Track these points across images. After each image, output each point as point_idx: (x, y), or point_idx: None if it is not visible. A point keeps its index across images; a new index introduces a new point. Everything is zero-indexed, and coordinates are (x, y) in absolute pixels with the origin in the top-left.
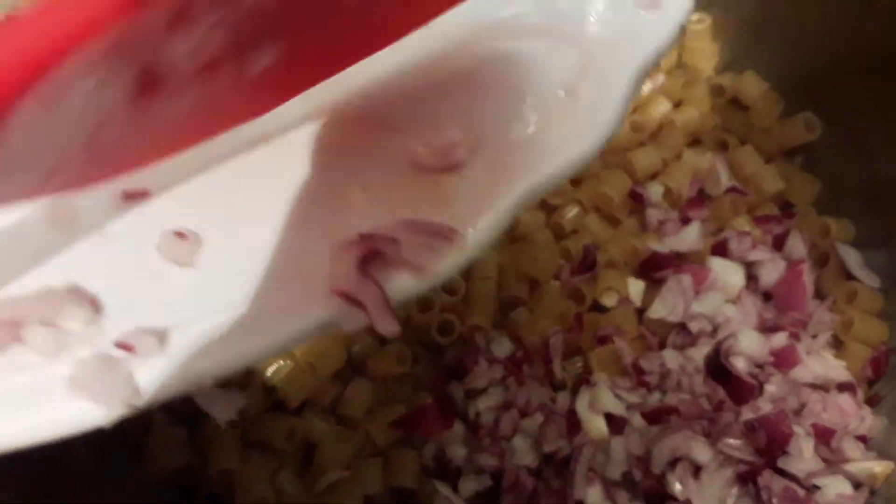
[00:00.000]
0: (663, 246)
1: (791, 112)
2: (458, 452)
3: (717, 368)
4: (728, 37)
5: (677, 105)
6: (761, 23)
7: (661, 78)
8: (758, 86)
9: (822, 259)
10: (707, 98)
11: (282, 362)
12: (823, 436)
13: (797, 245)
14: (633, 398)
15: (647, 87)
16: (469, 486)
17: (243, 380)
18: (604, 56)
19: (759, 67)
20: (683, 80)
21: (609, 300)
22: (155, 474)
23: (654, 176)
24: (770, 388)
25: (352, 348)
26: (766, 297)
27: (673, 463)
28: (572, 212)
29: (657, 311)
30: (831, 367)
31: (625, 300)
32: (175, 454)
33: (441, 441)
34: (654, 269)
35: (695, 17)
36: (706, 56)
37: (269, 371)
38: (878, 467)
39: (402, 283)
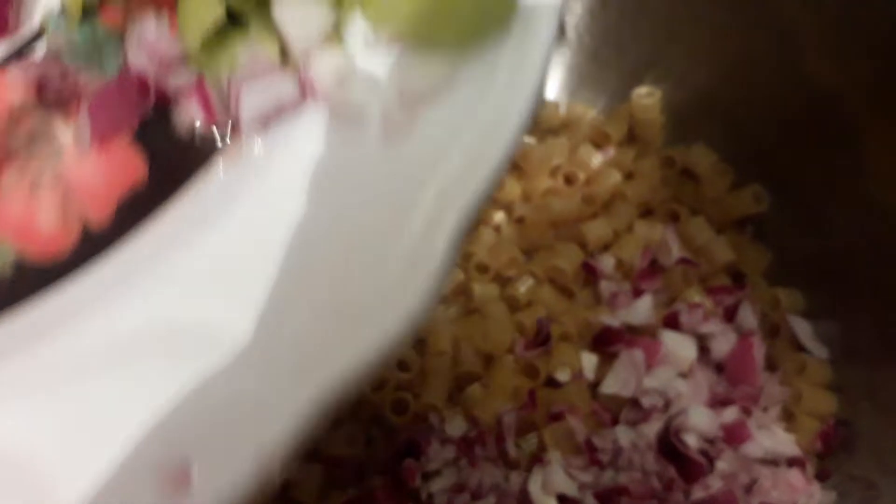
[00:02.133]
0: (616, 319)
1: (742, 182)
2: None
3: (669, 445)
4: (678, 109)
5: (629, 176)
6: (710, 95)
7: (611, 151)
8: (708, 157)
9: (773, 330)
10: (658, 170)
11: None
12: None
13: (748, 316)
14: (586, 477)
15: (598, 160)
16: None
17: None
18: None
19: (709, 139)
20: (634, 153)
21: (563, 375)
22: None
23: (606, 248)
24: (721, 465)
25: None
26: (719, 368)
27: None
28: (526, 284)
29: (610, 385)
30: (781, 441)
31: (578, 375)
32: None
33: None
34: (606, 343)
35: (644, 90)
36: (656, 128)
37: None
38: None
39: None
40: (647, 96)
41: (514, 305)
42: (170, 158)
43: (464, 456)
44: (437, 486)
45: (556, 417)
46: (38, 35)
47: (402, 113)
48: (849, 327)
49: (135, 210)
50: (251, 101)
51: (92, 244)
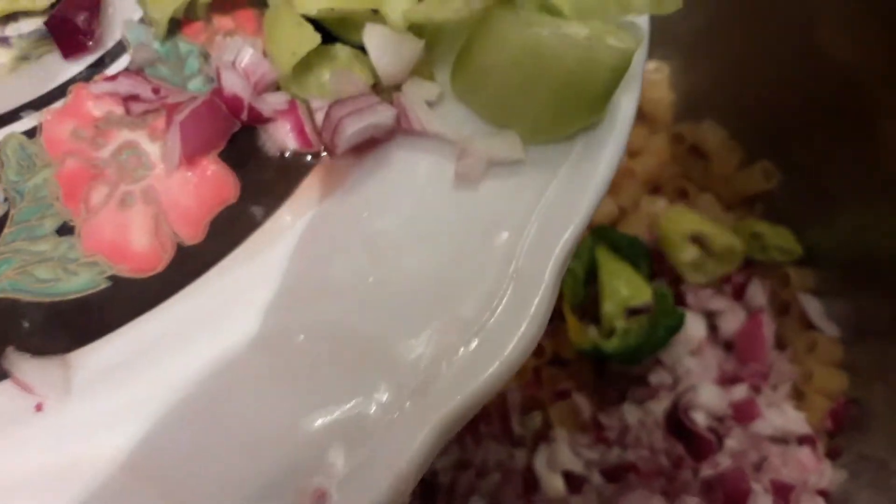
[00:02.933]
0: None
1: (750, 159)
2: None
3: (677, 423)
4: (686, 86)
5: (636, 153)
6: (719, 71)
7: None
8: (717, 134)
9: (782, 308)
10: (666, 146)
11: None
12: (782, 492)
13: (757, 294)
14: (592, 454)
15: None
16: None
17: None
18: None
19: (719, 116)
20: (642, 129)
21: (569, 353)
22: None
23: (613, 224)
24: (730, 443)
25: None
26: (727, 347)
27: None
28: None
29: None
30: (791, 419)
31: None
32: None
33: None
34: None
35: (652, 66)
36: (664, 106)
37: None
38: None
39: None
40: (654, 72)
41: None
42: (262, 178)
43: (468, 433)
44: (441, 463)
45: (562, 395)
46: (121, 49)
47: (476, 168)
48: (860, 306)
49: (228, 227)
50: (348, 127)
51: (187, 260)
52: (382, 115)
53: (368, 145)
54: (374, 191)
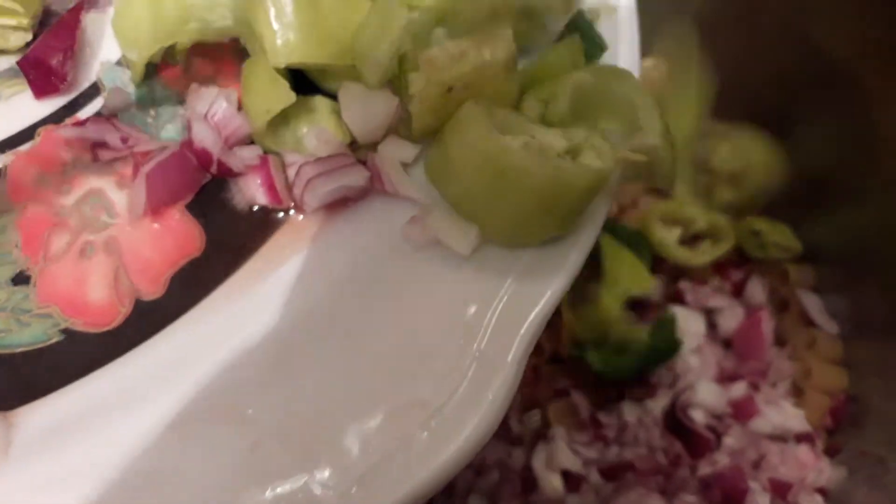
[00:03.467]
0: None
1: None
2: None
3: (675, 421)
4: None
5: None
6: (719, 66)
7: None
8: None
9: (781, 305)
10: None
11: None
12: (780, 490)
13: (756, 291)
14: (591, 453)
15: None
16: None
17: None
18: None
19: (717, 110)
20: None
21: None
22: None
23: (617, 218)
24: (728, 441)
25: None
26: (726, 344)
27: None
28: None
29: None
30: (790, 417)
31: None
32: None
33: None
34: None
35: (649, 62)
36: (663, 100)
37: None
38: None
39: None
40: (653, 69)
41: None
42: (228, 232)
43: None
44: None
45: (561, 393)
46: (95, 91)
47: (420, 238)
48: (859, 303)
49: (191, 281)
50: (319, 187)
51: (144, 316)
52: (354, 176)
53: (340, 204)
54: (341, 252)
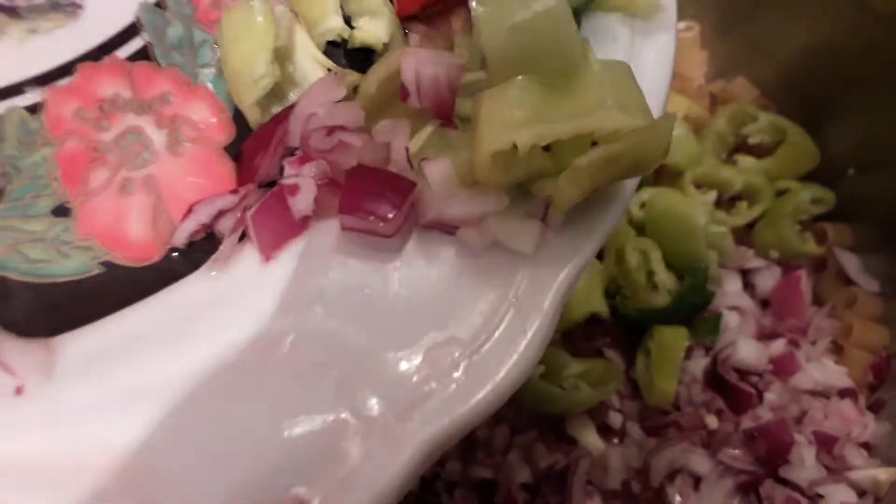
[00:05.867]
0: None
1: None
2: (454, 468)
3: (716, 378)
4: (717, 44)
5: None
6: (751, 29)
7: None
8: (749, 92)
9: (820, 264)
10: (697, 105)
11: None
12: (825, 443)
13: None
14: (630, 409)
15: None
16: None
17: None
18: None
19: (750, 74)
20: (673, 88)
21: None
22: None
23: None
24: (770, 397)
25: None
26: (764, 304)
27: (672, 475)
28: None
29: None
30: (831, 373)
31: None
32: None
33: None
34: None
35: (682, 24)
36: (696, 64)
37: None
38: (884, 475)
39: None
40: (685, 30)
41: None
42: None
43: None
44: None
45: (596, 353)
46: (133, 30)
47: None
48: None
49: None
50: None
51: (184, 253)
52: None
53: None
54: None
